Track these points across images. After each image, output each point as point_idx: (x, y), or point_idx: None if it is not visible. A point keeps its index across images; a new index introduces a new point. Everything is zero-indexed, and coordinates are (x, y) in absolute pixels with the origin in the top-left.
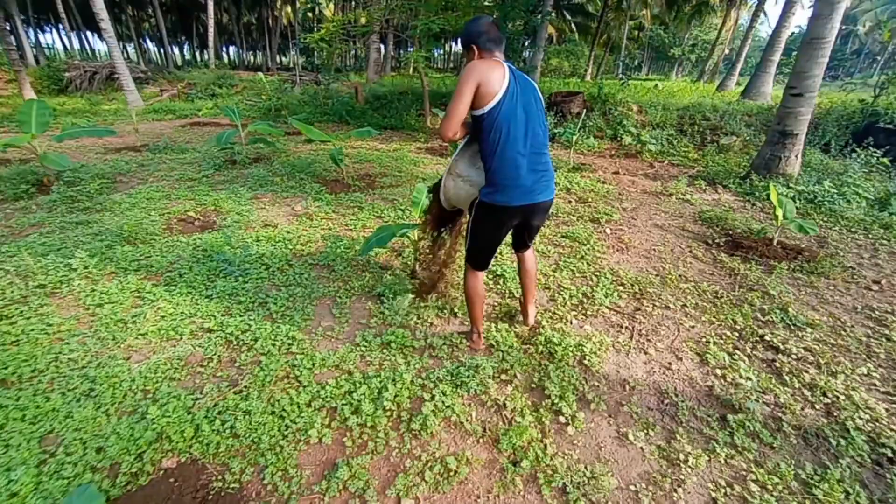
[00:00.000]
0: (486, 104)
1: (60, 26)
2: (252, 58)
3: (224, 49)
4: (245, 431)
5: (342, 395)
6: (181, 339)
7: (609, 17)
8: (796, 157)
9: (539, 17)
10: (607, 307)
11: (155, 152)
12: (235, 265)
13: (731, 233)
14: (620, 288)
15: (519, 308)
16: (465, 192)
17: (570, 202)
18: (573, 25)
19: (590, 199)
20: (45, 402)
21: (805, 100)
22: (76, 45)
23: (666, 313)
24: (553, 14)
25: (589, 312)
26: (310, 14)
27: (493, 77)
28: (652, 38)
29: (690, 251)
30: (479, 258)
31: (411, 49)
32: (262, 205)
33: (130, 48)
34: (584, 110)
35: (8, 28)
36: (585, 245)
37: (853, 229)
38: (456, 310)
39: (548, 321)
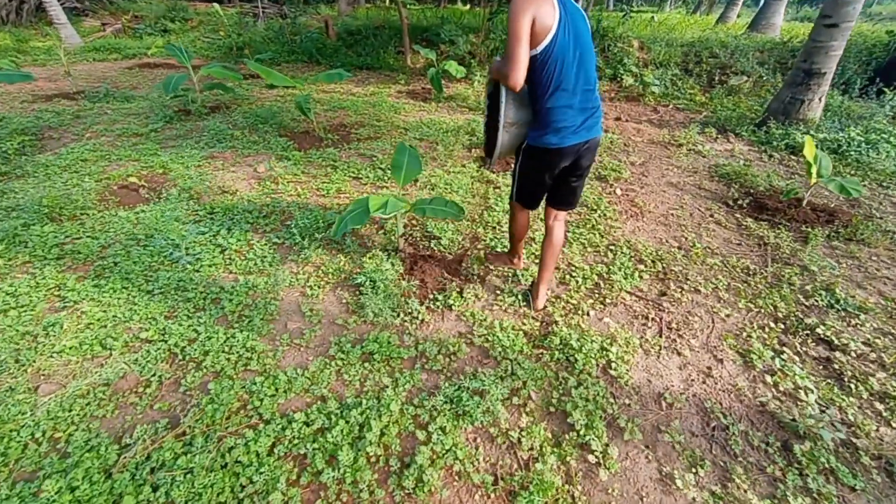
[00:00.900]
0: (540, 42)
1: None
2: None
3: None
4: (186, 502)
5: (313, 436)
6: (110, 355)
7: None
8: (820, 100)
9: None
10: (628, 292)
11: (94, 101)
12: (183, 249)
13: (752, 192)
14: (640, 266)
15: (529, 289)
16: (519, 137)
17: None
18: None
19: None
20: None
21: (840, 31)
22: None
23: (696, 298)
24: None
25: (608, 300)
26: None
27: (544, 9)
28: None
29: (712, 215)
30: (528, 200)
31: None
32: (218, 165)
33: None
34: None
35: None
36: (595, 211)
37: (886, 184)
38: (451, 301)
39: (561, 313)
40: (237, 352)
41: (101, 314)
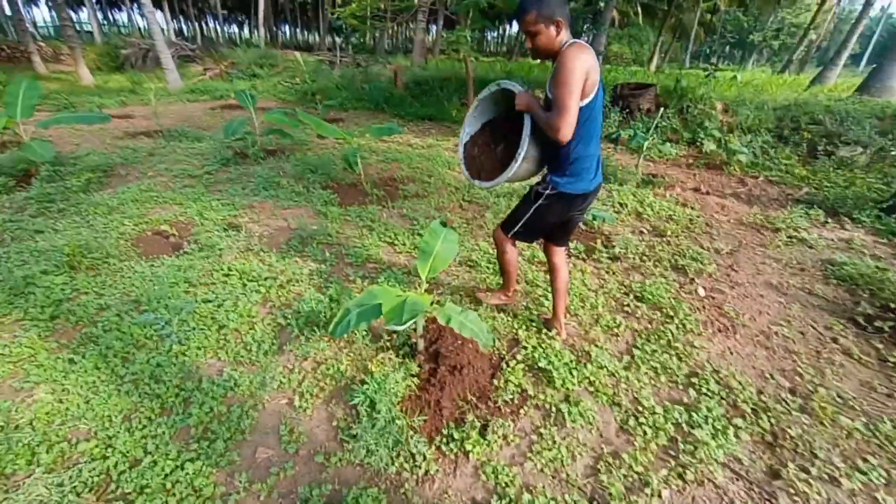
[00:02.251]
0: (588, 95)
1: (135, 5)
2: (305, 37)
3: (279, 28)
4: None
5: None
6: (33, 472)
7: None
8: None
9: None
10: (720, 463)
11: (169, 139)
12: (174, 326)
13: (894, 307)
14: (737, 419)
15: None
16: (527, 173)
17: (641, 233)
18: (638, 7)
19: (669, 232)
20: None
21: None
22: (142, 23)
23: (835, 496)
24: None
25: (689, 473)
26: None
27: (594, 65)
28: (728, 23)
29: (834, 339)
30: (528, 238)
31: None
32: (254, 216)
33: (191, 26)
34: (656, 107)
35: (64, 2)
36: (672, 319)
37: None
38: (470, 443)
39: (620, 487)
40: (178, 493)
41: (52, 406)
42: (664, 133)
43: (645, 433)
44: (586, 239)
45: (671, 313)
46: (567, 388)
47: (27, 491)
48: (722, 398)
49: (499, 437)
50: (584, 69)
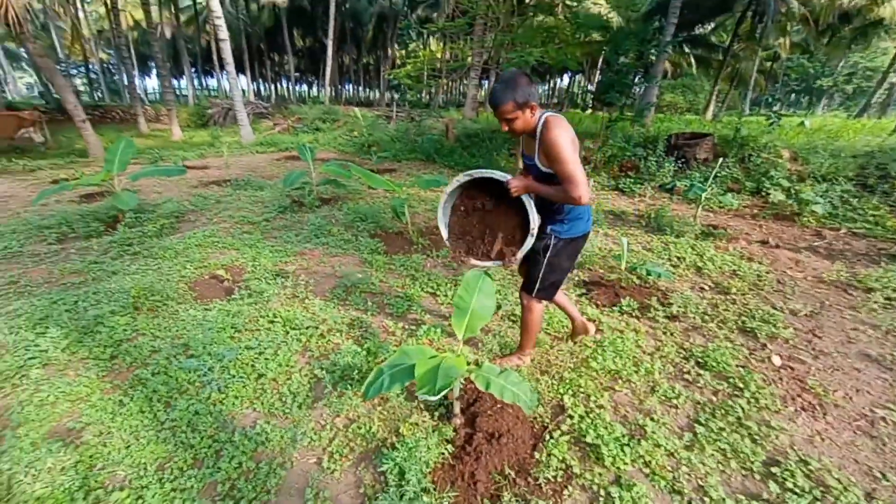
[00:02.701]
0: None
1: (223, 72)
2: (367, 94)
3: (344, 86)
4: None
5: None
6: None
7: (737, 48)
8: None
9: (655, 49)
10: None
11: (236, 188)
12: (216, 373)
13: None
14: None
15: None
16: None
17: (702, 290)
18: (692, 58)
19: (734, 289)
20: None
21: None
22: (228, 86)
23: None
24: (671, 49)
25: None
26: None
27: (571, 129)
28: (791, 70)
29: None
30: (553, 291)
31: None
32: (303, 263)
33: (268, 86)
34: (714, 156)
35: (168, 73)
36: (741, 391)
37: None
38: None
39: None
40: None
41: (96, 450)
42: (724, 183)
43: None
44: (640, 295)
45: (740, 384)
46: (618, 468)
47: None
48: (816, 499)
49: None
50: (571, 138)
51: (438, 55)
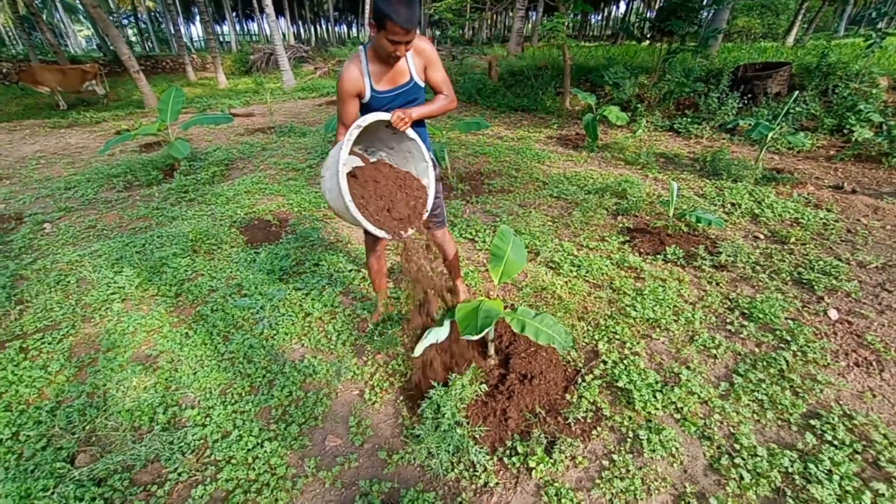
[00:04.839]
0: None
1: (264, 15)
2: None
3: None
4: None
5: None
6: (151, 429)
7: None
8: None
9: None
10: None
11: (280, 135)
12: (267, 311)
13: None
14: (881, 486)
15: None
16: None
17: (756, 239)
18: None
19: (793, 239)
20: None
21: None
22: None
23: None
24: None
25: None
26: None
27: None
28: None
29: None
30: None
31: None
32: None
33: (307, 29)
34: (789, 89)
35: (210, 19)
36: (788, 343)
37: None
38: (534, 459)
39: None
40: (257, 469)
41: (169, 374)
42: (797, 120)
43: (741, 477)
44: (687, 244)
45: (787, 337)
46: (648, 413)
47: (148, 443)
48: (855, 452)
49: (566, 457)
50: None
51: None
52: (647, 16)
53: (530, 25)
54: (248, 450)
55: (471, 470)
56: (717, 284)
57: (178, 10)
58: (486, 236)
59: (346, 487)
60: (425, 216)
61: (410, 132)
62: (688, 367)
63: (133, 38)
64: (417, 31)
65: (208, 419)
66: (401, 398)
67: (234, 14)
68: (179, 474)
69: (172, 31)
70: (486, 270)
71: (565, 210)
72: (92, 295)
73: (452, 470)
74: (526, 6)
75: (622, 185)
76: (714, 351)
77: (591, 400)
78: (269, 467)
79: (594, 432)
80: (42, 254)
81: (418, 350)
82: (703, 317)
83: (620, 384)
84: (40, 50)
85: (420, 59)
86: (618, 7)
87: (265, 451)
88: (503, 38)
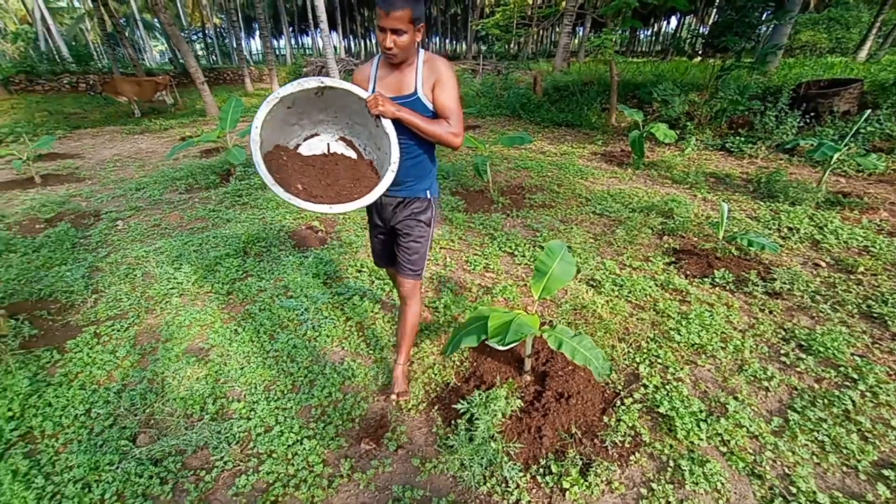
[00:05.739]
0: None
1: (317, 29)
2: (453, 47)
3: (430, 39)
4: None
5: None
6: (202, 418)
7: None
8: None
9: None
10: None
11: None
12: (311, 314)
13: None
14: None
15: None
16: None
17: (817, 267)
18: None
19: (861, 268)
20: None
21: None
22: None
23: None
24: None
25: None
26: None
27: None
28: None
29: None
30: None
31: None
32: None
33: (358, 42)
34: (859, 108)
35: (269, 34)
36: (855, 382)
37: None
38: (568, 480)
39: None
40: (296, 464)
41: (219, 367)
42: (868, 140)
43: None
44: (738, 268)
45: (854, 375)
46: (691, 442)
47: (199, 431)
48: None
49: (602, 481)
50: None
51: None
52: (700, 31)
53: (577, 41)
54: (289, 446)
55: (503, 485)
56: (771, 313)
57: (240, 26)
58: (525, 250)
59: (380, 491)
60: (355, 205)
61: (387, 126)
62: (736, 398)
63: (200, 52)
64: (402, 20)
65: (253, 413)
66: (435, 407)
67: (290, 29)
68: (225, 463)
69: (234, 46)
70: (525, 285)
71: (608, 228)
72: (155, 288)
73: (485, 484)
74: (573, 22)
75: (668, 205)
76: (766, 383)
77: (630, 424)
78: (308, 464)
79: (632, 458)
80: (114, 248)
81: (447, 350)
82: (754, 346)
83: (662, 410)
84: (122, 63)
85: (431, 75)
86: (668, 22)
87: (304, 449)
88: (549, 53)
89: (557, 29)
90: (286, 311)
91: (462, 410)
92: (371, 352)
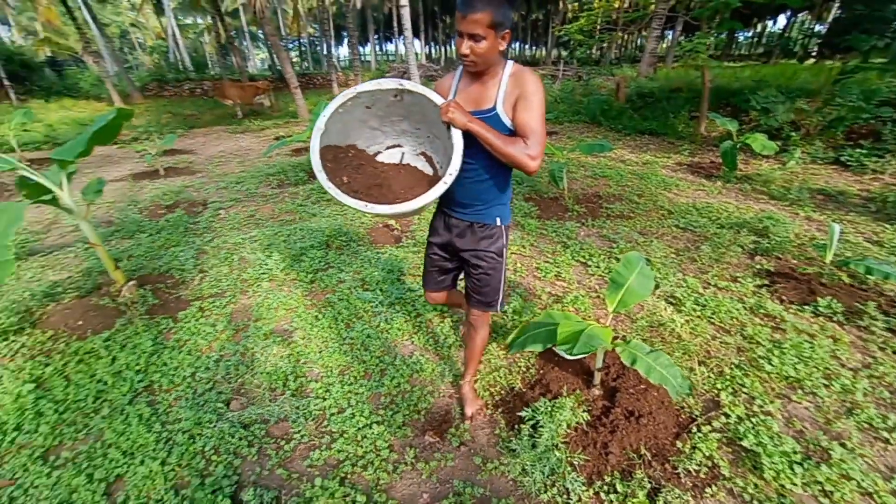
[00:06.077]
0: None
1: (401, 36)
2: (532, 52)
3: (510, 44)
4: None
5: None
6: (283, 393)
7: None
8: None
9: None
10: None
11: None
12: (384, 307)
13: None
14: None
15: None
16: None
17: None
18: None
19: None
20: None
21: None
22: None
23: None
24: None
25: None
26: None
27: None
28: None
29: None
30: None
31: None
32: None
33: (439, 49)
34: None
35: (356, 41)
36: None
37: None
38: (633, 502)
39: None
40: (364, 447)
41: (300, 349)
42: None
43: None
44: (849, 297)
45: None
46: (782, 486)
47: (281, 404)
48: None
49: None
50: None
51: (616, 4)
52: (816, 30)
53: (664, 45)
54: (359, 428)
55: (564, 496)
56: (893, 353)
57: (331, 35)
58: (599, 261)
59: (441, 483)
60: (391, 208)
61: (455, 136)
62: (843, 445)
63: (294, 59)
64: (482, 23)
65: (328, 394)
66: (500, 410)
67: (375, 36)
68: (302, 436)
69: (325, 53)
70: (598, 297)
71: (692, 243)
72: (248, 272)
73: (546, 492)
74: (662, 26)
75: (763, 222)
76: (886, 434)
77: (707, 454)
78: (375, 448)
79: (708, 490)
80: (217, 234)
81: (512, 347)
82: (870, 388)
83: (745, 444)
84: (230, 71)
85: (515, 90)
86: (774, 22)
87: (373, 433)
88: (633, 58)
89: (644, 33)
90: (362, 302)
91: (527, 417)
92: (439, 349)
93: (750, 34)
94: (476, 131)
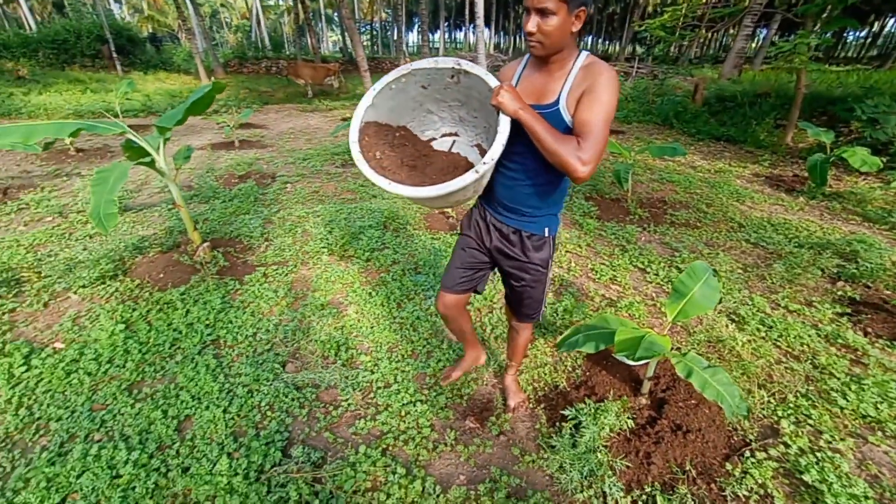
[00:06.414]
0: None
1: (472, 25)
2: (606, 47)
3: (583, 38)
4: None
5: None
6: (335, 362)
7: None
8: None
9: None
10: None
11: None
12: (435, 290)
13: None
14: None
15: None
16: (468, 196)
17: None
18: None
19: None
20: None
21: None
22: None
23: None
24: None
25: None
26: None
27: None
28: None
29: None
30: None
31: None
32: None
33: (508, 39)
34: None
35: (426, 28)
36: None
37: None
38: None
39: None
40: (407, 422)
41: (353, 323)
42: None
43: None
44: None
45: None
46: None
47: (332, 372)
48: None
49: None
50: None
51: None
52: None
53: (754, 45)
54: (403, 404)
55: (601, 499)
56: None
57: (403, 20)
58: (659, 269)
59: (479, 468)
60: (415, 191)
61: (501, 122)
62: None
63: (365, 43)
64: (560, 3)
65: (376, 368)
66: (541, 405)
67: (445, 24)
68: (349, 405)
69: (395, 38)
70: (654, 305)
71: (763, 260)
72: (310, 245)
73: (582, 492)
74: (755, 23)
75: (853, 245)
76: None
77: (760, 481)
78: (417, 425)
79: None
80: (283, 206)
81: (561, 345)
82: None
83: (807, 478)
84: (304, 51)
85: (583, 83)
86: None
87: (416, 410)
88: (715, 58)
89: (732, 31)
90: (414, 284)
91: (570, 416)
92: (485, 337)
93: (864, 34)
94: (524, 119)
